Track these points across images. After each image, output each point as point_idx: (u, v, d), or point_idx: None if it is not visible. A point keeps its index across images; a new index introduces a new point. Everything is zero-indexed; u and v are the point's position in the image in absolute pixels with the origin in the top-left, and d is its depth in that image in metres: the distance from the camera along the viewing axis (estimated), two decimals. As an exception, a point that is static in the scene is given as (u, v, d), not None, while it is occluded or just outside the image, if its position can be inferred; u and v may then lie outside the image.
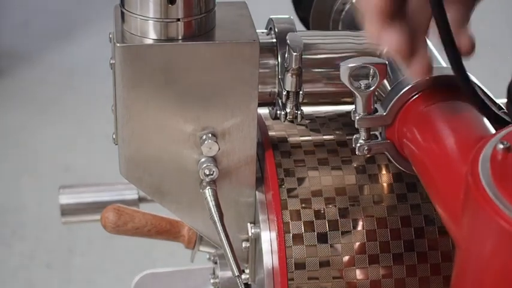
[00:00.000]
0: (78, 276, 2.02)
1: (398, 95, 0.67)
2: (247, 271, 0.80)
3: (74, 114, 2.59)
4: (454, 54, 0.61)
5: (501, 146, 0.57)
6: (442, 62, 0.72)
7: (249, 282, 0.80)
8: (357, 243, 0.74)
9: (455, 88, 0.68)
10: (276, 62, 0.76)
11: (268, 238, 0.75)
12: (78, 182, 2.12)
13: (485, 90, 0.71)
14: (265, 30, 0.78)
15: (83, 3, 3.18)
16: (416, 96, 0.68)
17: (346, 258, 0.74)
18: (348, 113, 0.71)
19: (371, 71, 0.66)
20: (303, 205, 0.74)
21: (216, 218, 0.73)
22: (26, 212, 2.19)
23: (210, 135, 0.73)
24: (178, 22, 0.71)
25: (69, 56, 2.90)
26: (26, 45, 2.96)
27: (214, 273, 0.90)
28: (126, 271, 1.97)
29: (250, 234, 0.77)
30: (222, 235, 0.73)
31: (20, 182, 2.30)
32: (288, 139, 0.78)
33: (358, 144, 0.68)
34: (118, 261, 2.04)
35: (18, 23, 3.08)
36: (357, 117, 0.67)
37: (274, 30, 0.77)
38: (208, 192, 0.74)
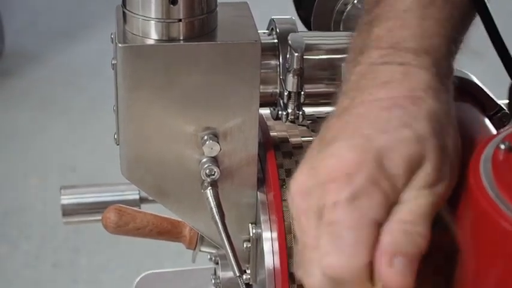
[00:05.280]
0: (84, 276, 2.02)
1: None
2: (248, 271, 0.80)
3: (80, 114, 2.60)
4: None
5: (503, 147, 0.57)
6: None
7: (250, 283, 0.80)
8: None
9: (457, 88, 0.68)
10: (278, 63, 0.76)
11: (269, 238, 0.75)
12: (84, 182, 2.12)
13: (487, 90, 0.70)
14: (267, 31, 0.78)
15: (90, 3, 3.19)
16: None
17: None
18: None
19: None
20: (305, 206, 0.74)
21: (218, 219, 0.73)
22: (32, 212, 2.20)
23: (211, 135, 0.73)
24: (180, 22, 0.71)
25: (76, 56, 2.91)
26: (32, 45, 2.97)
27: (215, 273, 0.90)
28: (132, 271, 1.97)
29: (251, 234, 0.77)
30: (223, 235, 0.73)
31: (27, 182, 2.31)
32: (290, 140, 0.78)
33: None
34: (124, 261, 2.04)
35: (25, 23, 3.09)
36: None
37: (276, 31, 0.77)
38: (209, 192, 0.74)
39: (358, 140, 0.56)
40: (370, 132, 0.56)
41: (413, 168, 0.56)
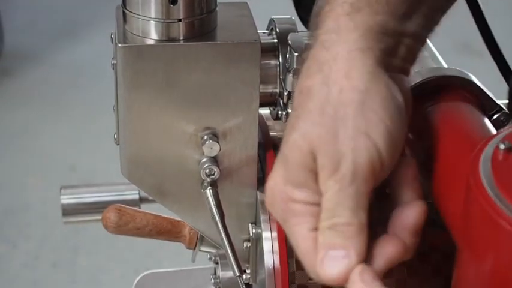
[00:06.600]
0: (83, 276, 2.02)
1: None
2: (248, 271, 0.80)
3: (80, 114, 2.60)
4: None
5: (502, 147, 0.57)
6: (443, 62, 0.72)
7: (250, 282, 0.80)
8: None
9: (456, 88, 0.68)
10: (277, 63, 0.76)
11: (269, 238, 0.75)
12: (83, 181, 2.12)
13: (486, 90, 0.70)
14: (267, 31, 0.78)
15: (89, 2, 3.19)
16: (418, 96, 0.68)
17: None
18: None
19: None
20: (304, 205, 0.74)
21: (217, 218, 0.73)
22: (31, 212, 2.20)
23: (211, 135, 0.73)
24: (180, 22, 0.71)
25: (75, 56, 2.91)
26: (31, 44, 2.96)
27: (215, 273, 0.90)
28: (131, 270, 1.97)
29: (251, 234, 0.77)
30: (223, 235, 0.73)
31: (26, 182, 2.31)
32: (290, 139, 0.78)
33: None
34: (123, 261, 2.04)
35: (24, 23, 3.09)
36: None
37: (276, 31, 0.77)
38: (209, 192, 0.74)
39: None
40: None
41: (307, 163, 0.59)
